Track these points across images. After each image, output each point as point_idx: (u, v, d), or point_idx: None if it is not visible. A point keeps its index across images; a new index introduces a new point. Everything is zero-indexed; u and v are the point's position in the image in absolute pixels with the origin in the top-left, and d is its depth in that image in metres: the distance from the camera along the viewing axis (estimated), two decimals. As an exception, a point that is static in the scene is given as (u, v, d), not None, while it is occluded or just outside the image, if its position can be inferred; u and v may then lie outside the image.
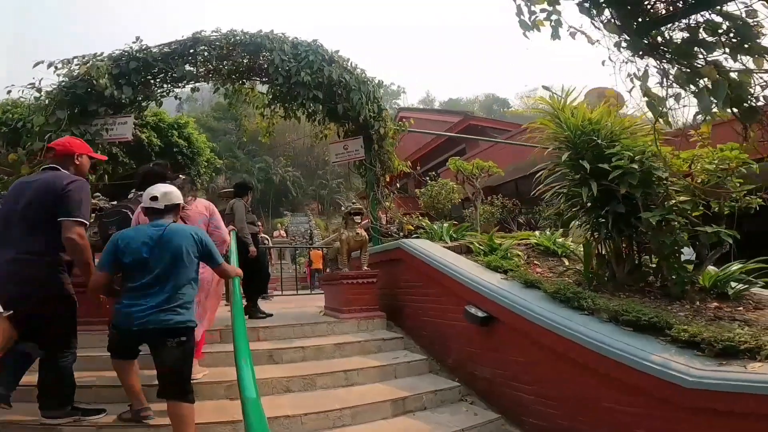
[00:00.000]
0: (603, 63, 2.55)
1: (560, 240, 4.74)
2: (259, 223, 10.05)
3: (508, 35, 69.37)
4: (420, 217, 6.22)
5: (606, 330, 2.53)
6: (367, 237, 4.82)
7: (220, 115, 47.77)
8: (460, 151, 16.40)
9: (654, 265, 3.26)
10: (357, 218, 4.63)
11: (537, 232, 5.25)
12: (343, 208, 4.87)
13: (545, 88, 13.67)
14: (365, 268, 4.75)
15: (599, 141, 3.25)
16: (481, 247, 4.46)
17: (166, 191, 2.60)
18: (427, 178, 8.66)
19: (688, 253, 3.27)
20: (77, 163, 2.72)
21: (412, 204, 10.61)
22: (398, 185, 6.48)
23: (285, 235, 26.09)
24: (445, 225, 5.41)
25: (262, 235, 9.31)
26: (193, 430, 2.36)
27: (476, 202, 5.94)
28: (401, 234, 5.90)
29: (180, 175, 3.39)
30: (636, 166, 3.01)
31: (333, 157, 6.50)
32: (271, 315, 5.02)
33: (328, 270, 7.91)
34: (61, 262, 2.53)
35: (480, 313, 3.30)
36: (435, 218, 7.29)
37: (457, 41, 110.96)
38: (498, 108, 51.98)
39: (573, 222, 3.74)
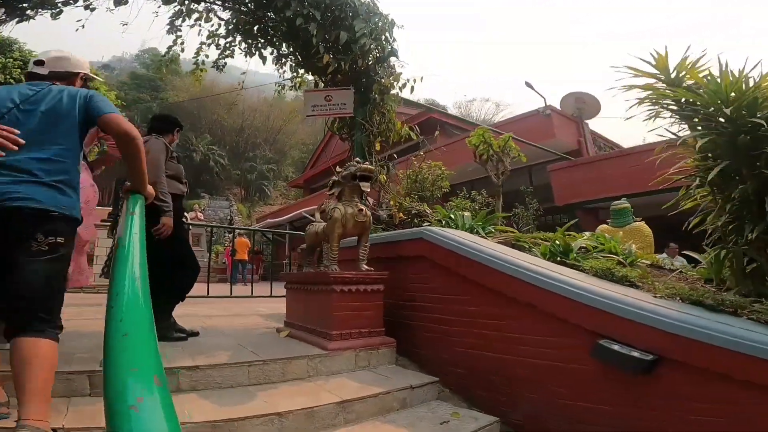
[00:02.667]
0: None
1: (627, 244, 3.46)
2: (196, 206, 7.68)
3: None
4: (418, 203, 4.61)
5: None
6: (371, 218, 3.10)
7: (137, 83, 42.04)
8: (414, 145, 15.12)
9: None
10: (365, 186, 2.86)
11: (586, 233, 3.92)
12: (339, 170, 3.08)
13: (528, 85, 12.70)
14: (364, 267, 3.03)
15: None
16: (530, 245, 3.02)
17: (60, 56, 2.01)
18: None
19: None
20: None
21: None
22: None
23: (202, 218, 22.96)
24: (467, 213, 3.86)
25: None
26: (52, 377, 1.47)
27: (500, 188, 4.50)
28: (395, 223, 4.24)
29: None
30: None
31: (308, 108, 4.65)
32: (195, 334, 3.09)
33: (298, 267, 4.91)
34: None
35: (643, 355, 1.81)
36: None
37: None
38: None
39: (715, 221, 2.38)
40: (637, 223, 4.61)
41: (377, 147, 4.73)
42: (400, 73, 4.56)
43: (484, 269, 2.58)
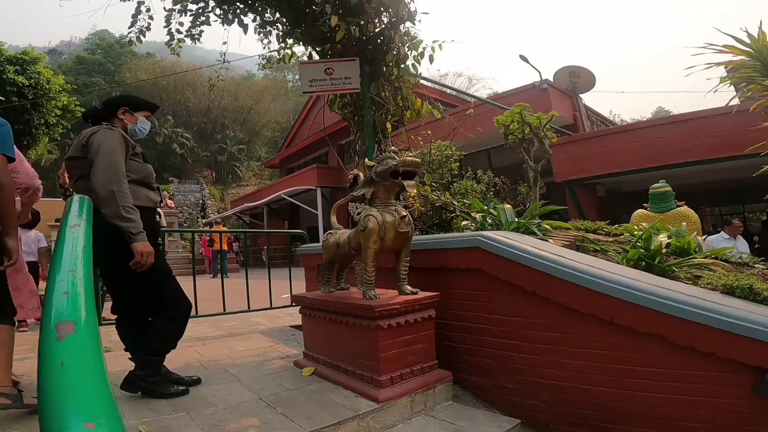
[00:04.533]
0: None
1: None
2: (164, 192, 6.63)
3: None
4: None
5: None
6: (413, 225, 2.45)
7: (86, 68, 38.80)
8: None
9: None
10: (410, 186, 2.20)
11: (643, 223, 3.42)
12: (370, 163, 2.39)
13: (523, 58, 12.17)
14: (407, 288, 2.40)
15: None
16: (601, 248, 2.48)
17: None
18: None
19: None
20: None
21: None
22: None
23: (173, 204, 21.69)
24: (508, 207, 3.27)
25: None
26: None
27: (536, 173, 3.87)
28: (414, 216, 3.60)
29: None
30: None
31: (305, 84, 3.88)
32: (196, 381, 2.44)
33: (306, 281, 4.14)
34: None
35: None
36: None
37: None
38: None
39: None
40: (681, 207, 4.15)
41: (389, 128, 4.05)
42: (421, 40, 3.83)
43: (577, 291, 2.02)
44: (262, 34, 4.52)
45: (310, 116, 23.54)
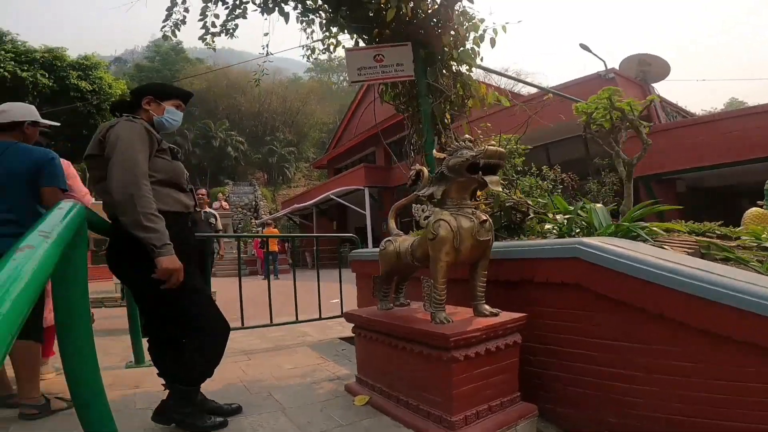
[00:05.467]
0: None
1: None
2: (202, 191, 6.48)
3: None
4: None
5: None
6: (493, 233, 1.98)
7: (146, 75, 41.06)
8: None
9: None
10: (492, 182, 1.73)
11: None
12: (440, 154, 1.94)
13: (583, 47, 11.29)
14: (486, 308, 1.94)
15: None
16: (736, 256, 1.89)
17: (3, 109, 2.15)
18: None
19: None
20: None
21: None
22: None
23: (227, 206, 22.38)
24: (599, 205, 2.70)
25: (208, 210, 5.95)
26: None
27: (630, 167, 3.22)
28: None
29: None
30: None
31: (353, 72, 3.50)
32: (237, 410, 2.13)
33: (369, 300, 2.94)
34: None
35: None
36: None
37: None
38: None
39: None
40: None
41: (449, 119, 3.59)
42: (482, 19, 3.33)
43: (733, 315, 1.47)
44: (304, 23, 4.22)
45: (356, 116, 23.43)
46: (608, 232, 2.41)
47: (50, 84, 9.86)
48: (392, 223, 2.41)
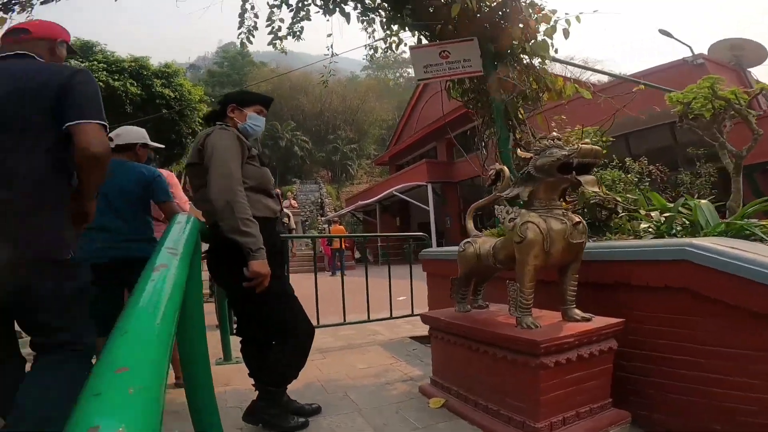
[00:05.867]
0: None
1: None
2: (289, 193, 6.74)
3: None
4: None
5: None
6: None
7: (218, 80, 43.58)
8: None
9: None
10: (589, 182, 1.60)
11: None
12: (524, 152, 1.83)
13: (664, 32, 10.33)
14: (577, 313, 1.81)
15: None
16: None
17: (119, 132, 2.41)
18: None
19: None
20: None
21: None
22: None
23: (296, 204, 23.25)
24: (704, 201, 2.41)
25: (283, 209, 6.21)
26: None
27: (739, 159, 2.85)
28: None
29: None
30: None
31: (419, 71, 3.44)
32: (317, 411, 2.18)
33: (440, 300, 3.21)
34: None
35: None
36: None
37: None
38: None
39: None
40: None
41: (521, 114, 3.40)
42: (554, 10, 3.11)
43: None
44: (365, 23, 4.20)
45: (415, 112, 23.26)
46: (717, 231, 2.15)
47: (139, 92, 10.34)
48: (470, 224, 2.33)
